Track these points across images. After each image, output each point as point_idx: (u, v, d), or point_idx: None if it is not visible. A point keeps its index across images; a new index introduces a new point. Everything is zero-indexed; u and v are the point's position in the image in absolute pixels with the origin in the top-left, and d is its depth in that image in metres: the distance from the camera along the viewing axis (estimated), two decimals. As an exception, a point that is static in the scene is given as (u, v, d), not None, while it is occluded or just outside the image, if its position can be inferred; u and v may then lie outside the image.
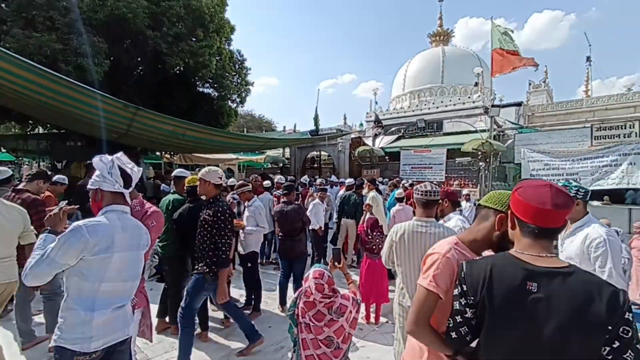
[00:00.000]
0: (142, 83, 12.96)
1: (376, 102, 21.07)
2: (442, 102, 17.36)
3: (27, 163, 17.04)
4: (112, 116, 6.78)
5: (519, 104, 15.84)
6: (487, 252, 1.43)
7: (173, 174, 4.07)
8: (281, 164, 17.00)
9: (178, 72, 14.60)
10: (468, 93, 17.58)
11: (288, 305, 2.18)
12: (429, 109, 17.19)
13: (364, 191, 6.46)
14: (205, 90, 17.74)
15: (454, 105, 16.63)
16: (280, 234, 4.46)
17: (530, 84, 17.45)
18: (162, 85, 13.74)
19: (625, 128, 8.98)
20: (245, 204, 4.68)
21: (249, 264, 4.41)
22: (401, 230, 2.43)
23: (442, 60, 19.46)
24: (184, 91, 14.66)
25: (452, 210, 2.95)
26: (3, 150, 15.12)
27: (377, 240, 4.25)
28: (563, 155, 9.01)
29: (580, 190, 2.18)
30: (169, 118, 7.71)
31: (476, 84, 17.29)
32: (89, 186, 1.72)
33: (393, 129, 15.15)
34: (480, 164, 9.48)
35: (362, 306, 3.85)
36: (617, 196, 8.85)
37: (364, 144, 13.45)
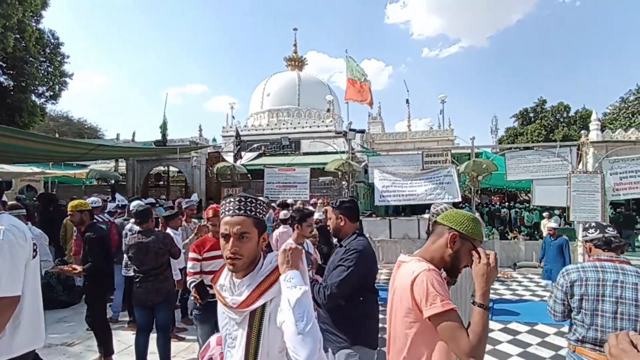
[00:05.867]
0: None
1: (233, 117, 20.13)
2: (299, 123, 18.05)
3: None
4: None
5: (363, 131, 18.00)
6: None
7: None
8: (113, 181, 13.55)
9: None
10: (322, 118, 18.89)
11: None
12: (287, 128, 17.58)
13: None
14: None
15: (310, 127, 17.55)
16: (138, 274, 3.31)
17: (370, 116, 20.39)
18: None
19: (443, 156, 10.84)
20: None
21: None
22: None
23: (297, 84, 20.41)
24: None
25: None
26: None
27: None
28: (405, 176, 10.22)
29: None
30: None
31: (328, 110, 18.84)
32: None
33: (254, 145, 14.51)
34: (343, 182, 9.87)
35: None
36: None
37: (224, 160, 12.18)
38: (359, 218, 2.38)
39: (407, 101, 22.16)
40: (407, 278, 1.30)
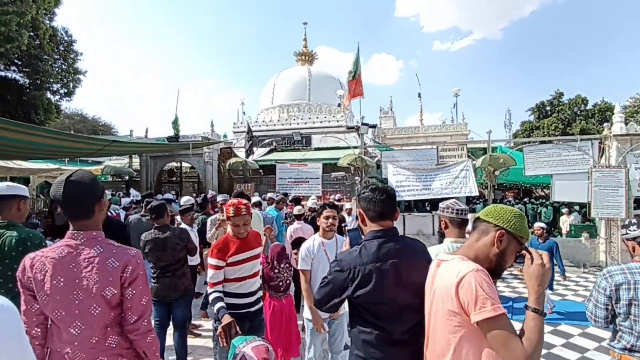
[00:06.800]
0: None
1: (244, 113, 20.14)
2: (309, 118, 17.94)
3: None
4: None
5: (374, 126, 17.75)
6: None
7: None
8: (127, 177, 13.73)
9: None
10: (332, 113, 18.74)
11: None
12: (298, 124, 17.49)
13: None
14: (12, 75, 12.92)
15: (321, 122, 17.43)
16: (155, 270, 3.28)
17: (381, 110, 20.08)
18: None
19: (458, 150, 10.60)
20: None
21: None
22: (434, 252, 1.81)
23: (308, 79, 20.25)
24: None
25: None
26: None
27: (286, 275, 3.30)
28: (419, 171, 10.07)
29: None
30: None
31: (339, 105, 18.66)
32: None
33: (266, 141, 14.46)
34: (356, 178, 9.75)
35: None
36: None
37: (236, 156, 12.19)
38: (383, 215, 1.58)
39: (419, 95, 21.79)
40: (450, 278, 1.20)
